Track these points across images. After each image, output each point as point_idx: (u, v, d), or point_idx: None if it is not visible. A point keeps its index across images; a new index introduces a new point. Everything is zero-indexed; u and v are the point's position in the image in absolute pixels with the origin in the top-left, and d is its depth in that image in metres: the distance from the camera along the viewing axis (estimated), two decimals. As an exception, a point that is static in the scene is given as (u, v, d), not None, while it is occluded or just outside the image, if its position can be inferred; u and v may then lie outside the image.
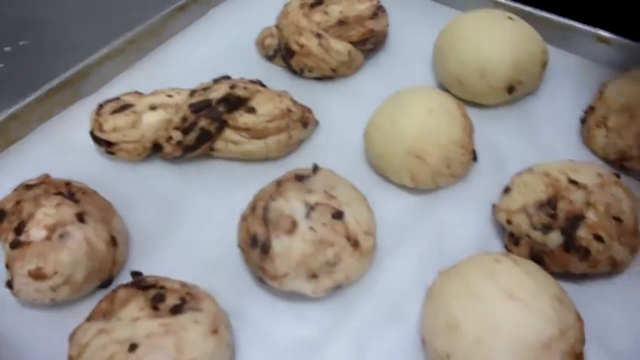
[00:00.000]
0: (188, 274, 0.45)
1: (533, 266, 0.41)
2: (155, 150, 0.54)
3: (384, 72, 0.63)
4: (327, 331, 0.44)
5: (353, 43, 0.61)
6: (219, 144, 0.54)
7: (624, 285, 0.45)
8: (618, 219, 0.44)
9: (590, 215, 0.44)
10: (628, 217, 0.44)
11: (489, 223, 0.50)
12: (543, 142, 0.55)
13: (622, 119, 0.51)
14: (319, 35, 0.59)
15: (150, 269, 0.45)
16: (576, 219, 0.44)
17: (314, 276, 0.43)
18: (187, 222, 0.51)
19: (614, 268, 0.45)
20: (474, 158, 0.53)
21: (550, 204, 0.45)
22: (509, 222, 0.47)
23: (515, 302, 0.37)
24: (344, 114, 0.59)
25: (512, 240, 0.47)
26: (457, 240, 0.48)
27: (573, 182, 0.45)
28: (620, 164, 0.52)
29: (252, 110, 0.53)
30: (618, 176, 0.47)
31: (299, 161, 0.54)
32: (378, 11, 0.63)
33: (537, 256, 0.45)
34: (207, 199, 0.52)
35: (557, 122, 0.57)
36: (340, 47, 0.60)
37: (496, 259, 0.41)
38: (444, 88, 0.59)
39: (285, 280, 0.44)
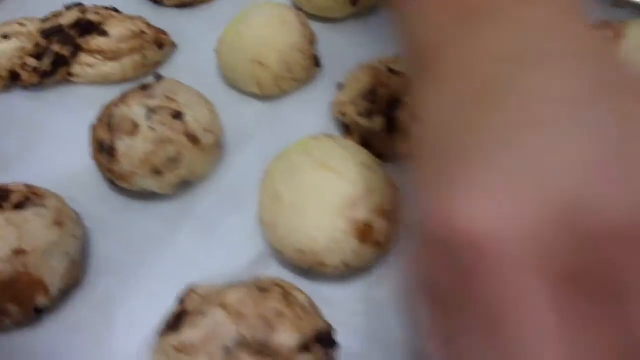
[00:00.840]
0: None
1: (349, 142, 0.45)
2: (13, 80, 0.56)
3: (244, -3, 0.66)
4: (176, 224, 0.48)
5: (209, -30, 0.64)
6: (76, 69, 0.56)
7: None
8: (432, 100, 0.49)
9: (407, 98, 0.48)
10: (441, 98, 0.49)
11: (329, 121, 0.54)
12: (379, 50, 0.59)
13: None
14: (172, -38, 0.62)
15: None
16: (394, 102, 0.48)
17: (158, 172, 0.47)
18: (47, 144, 0.53)
19: (434, 146, 0.50)
20: (317, 64, 0.57)
21: (372, 92, 0.49)
22: (342, 114, 0.51)
23: (326, 170, 0.42)
24: (202, 38, 0.61)
25: (346, 131, 0.51)
26: (300, 137, 0.52)
27: (391, 71, 0.50)
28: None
29: (104, 34, 0.55)
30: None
31: (157, 81, 0.57)
32: (233, -62, 0.65)
33: (368, 142, 0.50)
34: (67, 122, 0.55)
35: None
36: (195, -27, 0.63)
37: (316, 138, 0.45)
38: (298, 6, 0.63)
39: (132, 180, 0.47)
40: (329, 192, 0.41)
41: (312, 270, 0.43)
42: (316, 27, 0.59)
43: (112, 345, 0.43)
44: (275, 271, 0.45)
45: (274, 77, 0.54)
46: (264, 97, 0.56)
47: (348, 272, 0.43)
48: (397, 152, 0.50)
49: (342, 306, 0.43)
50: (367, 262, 0.43)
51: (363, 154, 0.44)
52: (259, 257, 0.45)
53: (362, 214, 0.41)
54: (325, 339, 0.38)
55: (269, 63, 0.53)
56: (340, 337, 0.41)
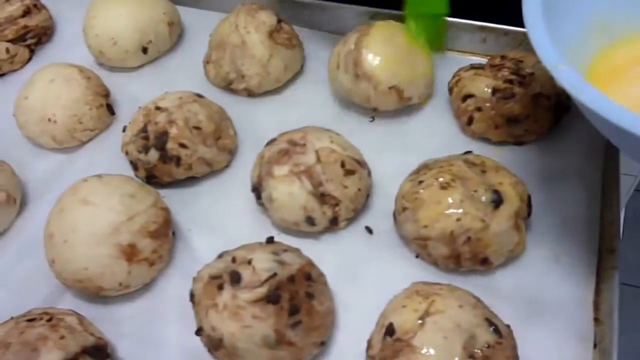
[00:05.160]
0: None
1: (116, 177, 0.51)
2: None
3: (49, 60, 0.71)
4: None
5: (12, 41, 0.69)
6: None
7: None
8: (197, 128, 0.56)
9: (173, 130, 0.55)
10: (206, 124, 0.56)
11: (124, 162, 0.59)
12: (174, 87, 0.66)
13: (219, 52, 0.63)
14: (-29, 40, 0.67)
15: None
16: (162, 135, 0.55)
17: None
18: None
19: (210, 167, 0.56)
20: (111, 112, 0.63)
21: (143, 130, 0.55)
22: (127, 153, 0.57)
23: (89, 205, 0.48)
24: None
25: (134, 167, 0.57)
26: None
27: (158, 108, 0.56)
28: (229, 88, 0.64)
29: None
30: (200, 96, 0.58)
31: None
32: (32, 9, 0.71)
33: (150, 173, 0.56)
34: None
35: (189, 70, 0.68)
36: (-4, 47, 0.68)
37: (84, 179, 0.50)
38: (99, 62, 0.69)
39: None
40: (92, 224, 0.47)
41: (97, 295, 0.48)
42: (116, 77, 0.66)
43: None
44: (71, 301, 0.50)
45: (66, 130, 0.59)
46: (64, 149, 0.61)
47: (128, 291, 0.49)
48: (175, 178, 0.56)
49: (129, 321, 0.49)
50: (143, 279, 0.49)
51: (127, 186, 0.50)
52: (52, 293, 0.50)
53: (125, 237, 0.47)
54: (93, 352, 0.43)
55: (58, 119, 0.59)
56: (124, 347, 0.47)
